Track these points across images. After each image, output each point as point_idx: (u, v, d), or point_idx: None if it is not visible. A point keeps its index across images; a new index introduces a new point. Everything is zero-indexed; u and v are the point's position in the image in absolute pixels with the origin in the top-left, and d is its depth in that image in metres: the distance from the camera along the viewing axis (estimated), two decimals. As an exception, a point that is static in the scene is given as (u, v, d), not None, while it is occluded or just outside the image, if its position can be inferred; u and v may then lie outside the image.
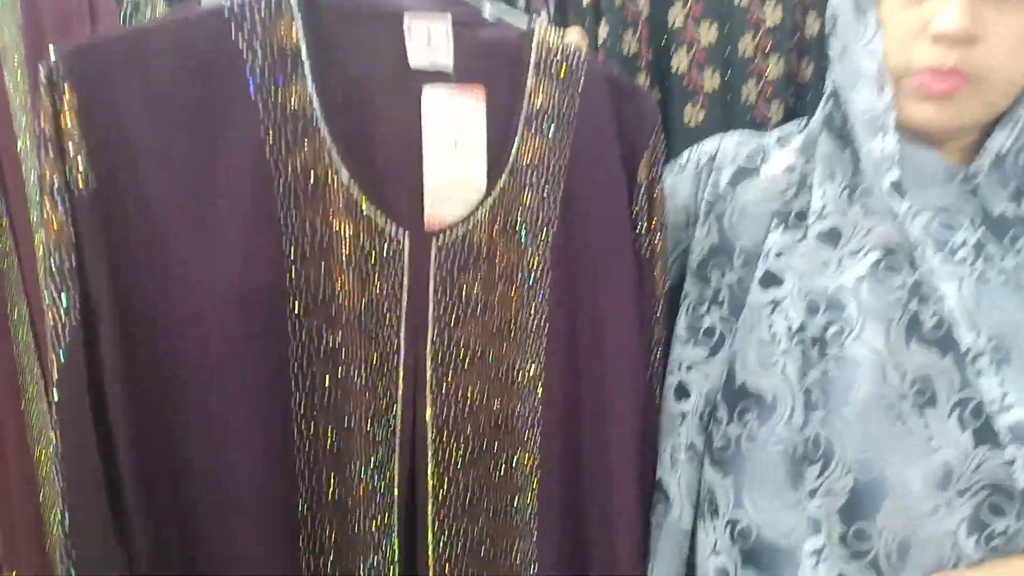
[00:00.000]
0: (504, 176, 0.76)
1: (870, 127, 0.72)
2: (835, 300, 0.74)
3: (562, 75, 0.77)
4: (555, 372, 0.80)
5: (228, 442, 0.71)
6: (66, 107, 0.64)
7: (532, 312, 0.78)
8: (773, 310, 0.77)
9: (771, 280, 0.78)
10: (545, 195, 0.77)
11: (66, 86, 0.64)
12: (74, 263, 0.65)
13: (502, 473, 0.79)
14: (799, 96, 1.28)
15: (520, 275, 0.77)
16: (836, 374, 0.73)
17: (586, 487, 0.82)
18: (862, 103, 0.73)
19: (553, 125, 0.77)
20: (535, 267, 0.78)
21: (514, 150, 0.76)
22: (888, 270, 0.73)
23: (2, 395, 1.36)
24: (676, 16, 1.20)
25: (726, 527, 0.78)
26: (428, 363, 0.75)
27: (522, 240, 0.76)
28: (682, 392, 0.84)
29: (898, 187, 0.71)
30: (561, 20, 1.20)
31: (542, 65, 0.77)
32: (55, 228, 0.64)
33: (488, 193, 0.75)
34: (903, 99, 0.71)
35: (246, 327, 0.70)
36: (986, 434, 0.69)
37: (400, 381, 0.75)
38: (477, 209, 0.75)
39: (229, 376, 0.70)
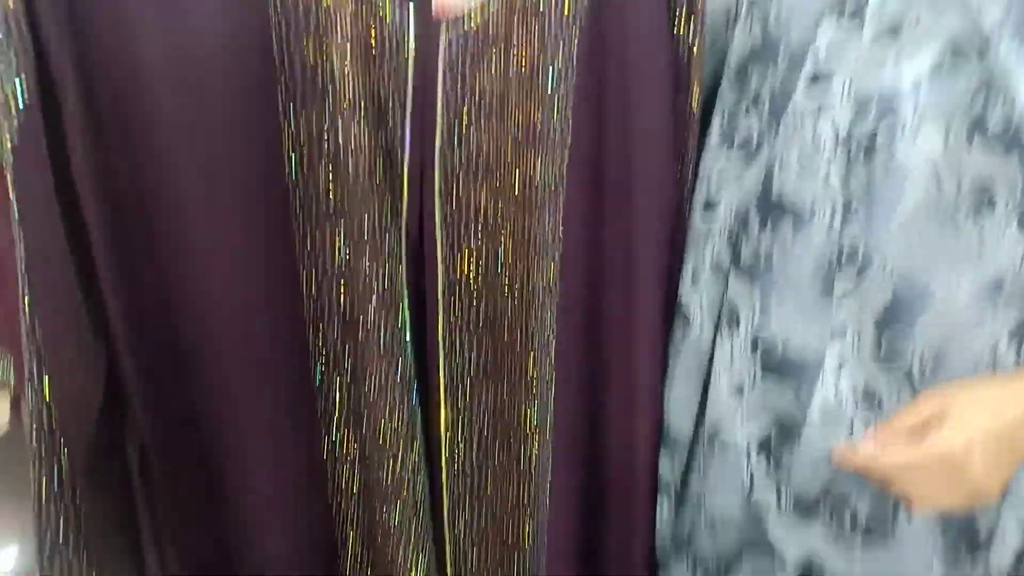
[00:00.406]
0: None
1: None
2: (889, 99, 0.68)
3: None
4: (578, 183, 0.73)
5: (219, 248, 0.65)
6: None
7: (555, 116, 0.71)
8: (819, 113, 0.71)
9: (819, 80, 0.71)
10: None
11: None
12: (27, 31, 0.57)
13: (518, 295, 0.74)
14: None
15: (541, 74, 0.69)
16: (883, 182, 0.68)
17: (606, 307, 0.78)
18: None
19: None
20: (559, 65, 0.69)
21: None
22: (953, 67, 0.66)
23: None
24: None
25: (748, 340, 0.76)
26: (436, 169, 0.68)
27: (545, 34, 0.68)
28: (710, 206, 0.79)
29: None
30: None
31: None
32: None
33: None
34: None
35: (231, 114, 0.63)
36: None
37: (405, 187, 0.69)
38: None
39: (216, 164, 0.64)
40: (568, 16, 0.69)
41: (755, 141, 0.76)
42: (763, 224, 0.74)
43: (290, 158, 0.65)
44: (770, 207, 0.73)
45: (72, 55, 0.58)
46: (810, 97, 0.71)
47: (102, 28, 0.59)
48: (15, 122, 0.57)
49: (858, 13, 0.70)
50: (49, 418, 0.64)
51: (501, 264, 0.73)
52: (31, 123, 0.58)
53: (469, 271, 0.72)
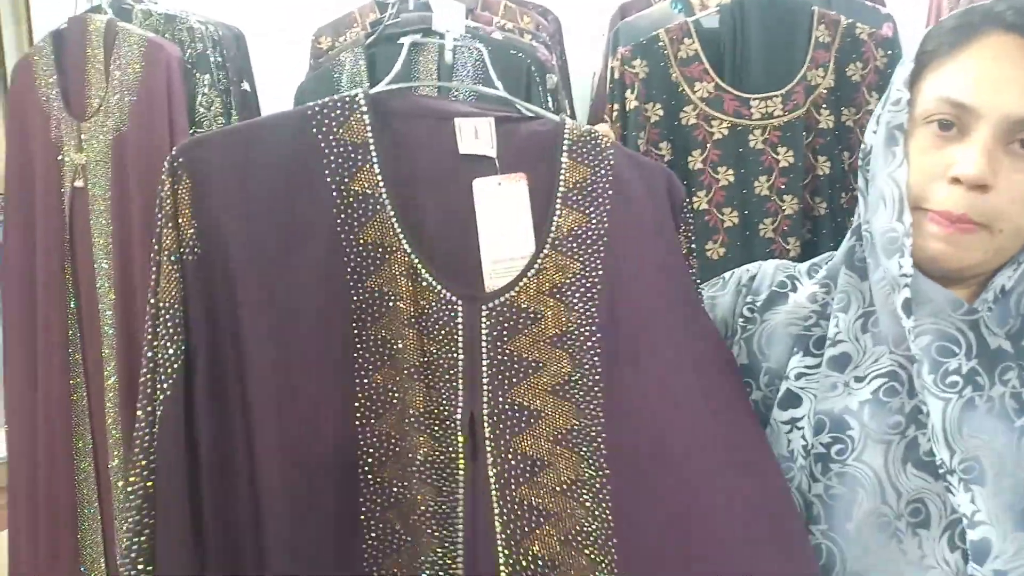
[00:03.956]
0: (546, 247, 0.83)
1: (889, 248, 0.76)
2: (841, 421, 0.79)
3: (592, 157, 0.86)
4: (616, 429, 0.81)
5: (296, 475, 0.76)
6: (182, 191, 0.76)
7: (587, 371, 0.82)
8: (791, 428, 0.82)
9: (790, 400, 0.83)
10: (587, 261, 0.84)
11: (183, 175, 0.76)
12: (182, 316, 0.75)
13: (578, 541, 0.79)
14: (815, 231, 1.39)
15: (570, 336, 0.82)
16: (839, 490, 0.77)
17: (662, 538, 0.80)
18: (883, 225, 0.77)
19: (587, 200, 0.85)
20: (585, 326, 0.82)
21: (554, 224, 0.84)
22: (890, 395, 0.78)
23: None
24: (695, 161, 1.35)
25: None
26: (485, 422, 0.79)
27: (569, 303, 0.82)
28: None
29: (907, 306, 0.75)
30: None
31: (574, 149, 0.86)
32: (172, 287, 0.75)
33: (533, 263, 0.83)
34: (919, 234, 0.75)
35: (315, 386, 0.77)
36: None
37: (459, 435, 0.79)
38: (521, 277, 0.82)
39: (298, 423, 0.76)
40: (585, 287, 0.83)
41: None
42: None
43: (360, 415, 0.78)
44: None
45: (204, 341, 0.76)
46: (784, 414, 0.83)
47: (226, 325, 0.76)
48: (167, 381, 0.74)
49: (819, 348, 0.84)
50: None
51: (553, 512, 0.79)
52: (176, 384, 0.74)
53: (523, 517, 0.79)
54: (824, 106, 1.36)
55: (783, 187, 1.34)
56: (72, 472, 1.44)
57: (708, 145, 1.35)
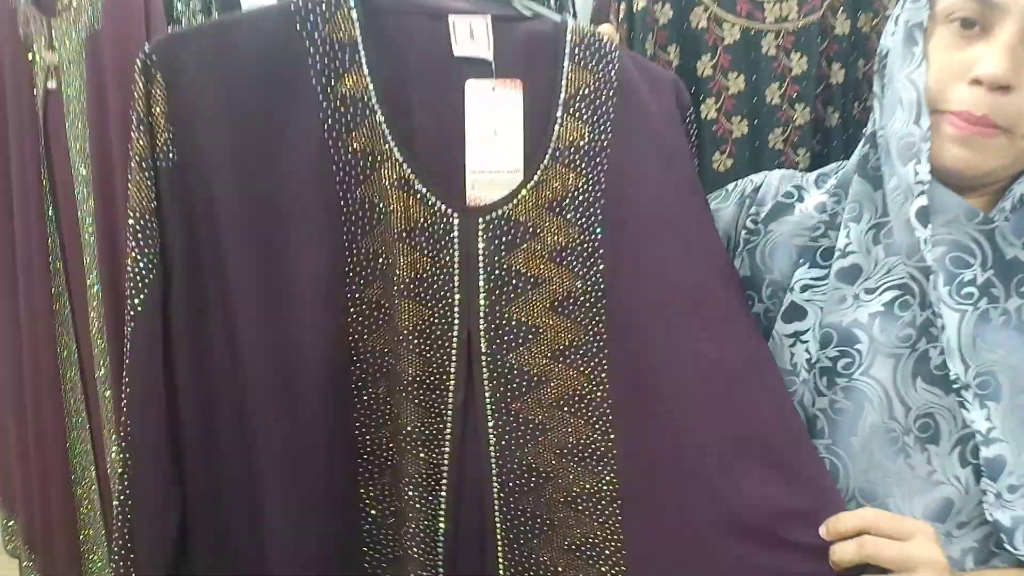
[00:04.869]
0: (547, 158, 0.78)
1: (905, 154, 0.73)
2: (848, 334, 0.77)
3: (596, 61, 0.80)
4: (620, 344, 0.78)
5: (286, 399, 0.75)
6: (156, 91, 0.71)
7: (588, 287, 0.78)
8: (795, 342, 0.80)
9: (795, 313, 0.81)
10: (589, 174, 0.79)
11: (157, 74, 0.71)
12: (155, 226, 0.71)
13: (574, 454, 0.78)
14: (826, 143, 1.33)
15: (570, 251, 0.78)
16: (844, 404, 0.76)
17: (663, 454, 0.78)
18: (899, 129, 0.74)
19: (591, 108, 0.80)
20: (586, 242, 0.78)
21: (554, 134, 0.79)
22: (901, 308, 0.75)
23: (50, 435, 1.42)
24: (705, 67, 1.27)
25: None
26: (482, 338, 0.77)
27: (569, 218, 0.78)
28: None
29: (923, 214, 0.71)
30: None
31: (576, 52, 0.80)
32: (144, 195, 0.71)
33: (532, 175, 0.78)
34: (936, 137, 0.72)
35: (305, 299, 0.74)
36: None
37: (454, 353, 0.77)
38: (520, 190, 0.78)
39: (288, 337, 0.74)
40: (587, 200, 0.78)
41: None
42: None
43: (351, 328, 0.75)
44: None
45: (182, 250, 0.73)
46: (788, 327, 0.80)
47: (205, 236, 0.73)
48: (141, 292, 0.71)
49: (826, 260, 0.81)
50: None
51: (551, 427, 0.78)
52: (152, 296, 0.71)
53: (519, 436, 0.78)
54: (841, 10, 1.28)
55: (795, 95, 1.28)
56: (58, 382, 1.40)
57: (719, 49, 1.27)
